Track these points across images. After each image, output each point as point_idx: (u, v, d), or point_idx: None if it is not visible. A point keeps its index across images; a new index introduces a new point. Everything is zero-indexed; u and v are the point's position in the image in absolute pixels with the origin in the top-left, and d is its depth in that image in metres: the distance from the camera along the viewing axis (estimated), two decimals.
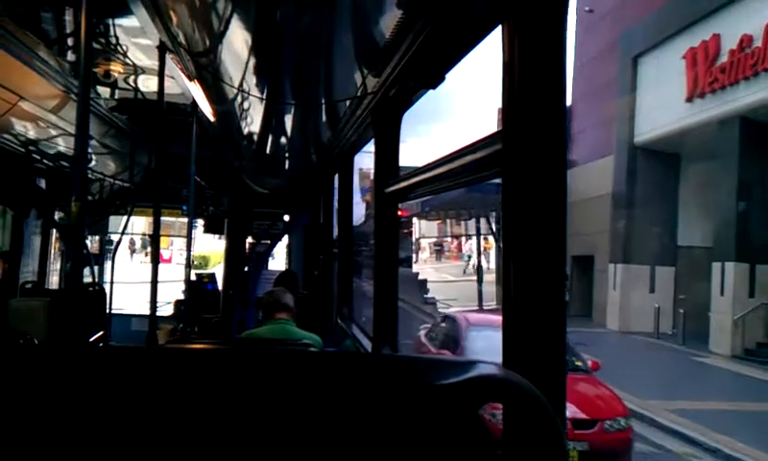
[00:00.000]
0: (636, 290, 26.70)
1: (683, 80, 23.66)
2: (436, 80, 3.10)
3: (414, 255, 48.32)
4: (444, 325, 14.81)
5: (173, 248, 34.12)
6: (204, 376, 1.26)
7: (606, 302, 28.03)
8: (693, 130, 23.41)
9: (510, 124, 1.86)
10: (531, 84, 1.80)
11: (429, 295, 31.50)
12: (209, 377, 1.25)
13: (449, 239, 48.18)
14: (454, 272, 41.49)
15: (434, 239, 49.37)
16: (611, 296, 27.72)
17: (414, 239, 45.59)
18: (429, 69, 3.03)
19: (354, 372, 1.28)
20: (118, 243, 9.89)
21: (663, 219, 26.94)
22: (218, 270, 13.60)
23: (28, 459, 1.21)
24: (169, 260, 32.64)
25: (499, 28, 1.95)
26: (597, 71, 30.59)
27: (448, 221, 43.96)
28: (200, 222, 11.91)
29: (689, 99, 23.43)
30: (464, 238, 43.10)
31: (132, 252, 39.75)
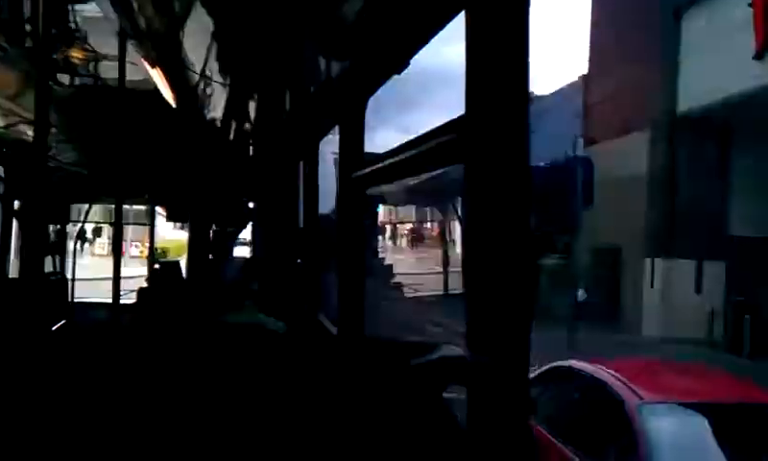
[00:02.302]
0: (680, 289, 22.06)
1: (748, 33, 18.88)
2: (400, 65, 3.11)
3: (387, 243, 46.74)
4: (567, 389, 7.78)
5: (127, 238, 31.67)
6: (170, 358, 1.26)
7: (640, 303, 23.45)
8: (760, 94, 18.48)
9: (472, 110, 1.88)
10: (493, 70, 1.82)
11: (396, 280, 31.71)
12: (176, 360, 1.26)
13: (429, 224, 43.74)
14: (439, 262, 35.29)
15: (410, 224, 46.51)
16: (647, 296, 23.13)
17: (382, 225, 44.49)
18: (393, 55, 3.04)
19: (319, 353, 1.29)
20: (80, 231, 9.75)
21: (712, 204, 22.04)
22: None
23: None
24: (126, 252, 29.51)
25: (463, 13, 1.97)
26: (621, 31, 25.24)
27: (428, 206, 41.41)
28: (158, 210, 11.73)
29: (759, 55, 18.66)
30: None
31: (83, 242, 37.63)
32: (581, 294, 25.15)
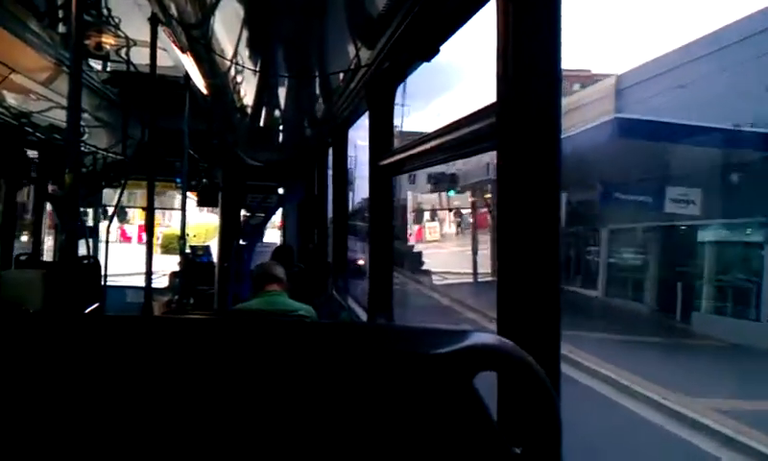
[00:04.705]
0: None
1: None
2: (430, 52, 3.09)
3: (425, 230, 41.21)
4: None
5: (139, 223, 27.08)
6: (199, 346, 1.27)
7: None
8: None
9: (504, 96, 1.87)
10: (525, 55, 1.81)
11: (424, 267, 31.74)
12: (205, 348, 1.26)
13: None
14: None
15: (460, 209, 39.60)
16: None
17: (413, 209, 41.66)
18: (423, 42, 3.02)
19: (348, 342, 1.29)
20: (113, 215, 9.86)
21: None
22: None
23: (23, 429, 1.22)
24: (133, 239, 25.98)
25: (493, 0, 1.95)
26: None
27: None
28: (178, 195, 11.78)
29: None
30: None
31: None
32: None
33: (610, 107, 22.15)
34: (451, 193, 35.45)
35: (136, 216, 25.46)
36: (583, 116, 21.59)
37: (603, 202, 21.67)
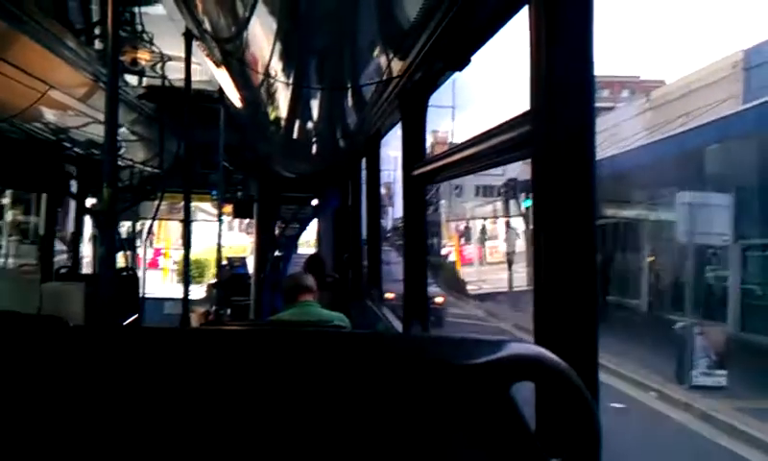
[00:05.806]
0: None
1: None
2: (462, 62, 3.09)
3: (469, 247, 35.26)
4: None
5: (155, 246, 22.18)
6: (237, 357, 1.27)
7: None
8: None
9: (538, 104, 1.86)
10: (558, 63, 1.80)
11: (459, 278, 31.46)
12: (243, 359, 1.27)
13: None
14: None
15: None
16: None
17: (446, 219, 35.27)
18: (455, 51, 3.02)
19: (385, 352, 1.29)
20: (150, 227, 10.00)
21: None
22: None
23: (64, 439, 1.24)
24: (154, 264, 20.31)
25: (525, 8, 1.95)
26: None
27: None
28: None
29: None
30: None
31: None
32: None
33: (736, 90, 19.04)
34: (527, 203, 28.24)
35: (152, 238, 20.71)
36: (700, 101, 19.22)
37: (742, 210, 16.45)
